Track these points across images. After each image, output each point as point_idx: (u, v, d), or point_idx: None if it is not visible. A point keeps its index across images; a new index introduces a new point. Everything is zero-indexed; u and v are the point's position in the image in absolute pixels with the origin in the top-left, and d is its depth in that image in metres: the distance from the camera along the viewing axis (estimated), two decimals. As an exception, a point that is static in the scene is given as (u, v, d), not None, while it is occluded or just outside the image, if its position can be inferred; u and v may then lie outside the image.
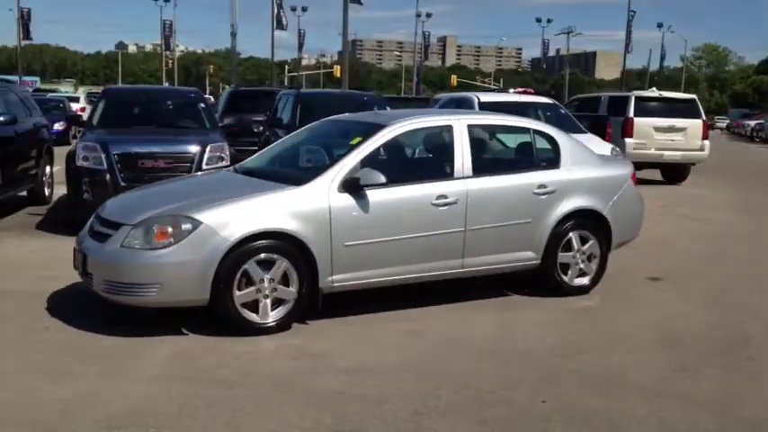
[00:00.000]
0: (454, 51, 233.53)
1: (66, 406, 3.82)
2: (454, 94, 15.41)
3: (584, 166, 6.27)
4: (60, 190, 10.00)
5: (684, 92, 27.88)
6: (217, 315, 4.93)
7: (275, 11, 47.36)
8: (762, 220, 11.17)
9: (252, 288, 4.93)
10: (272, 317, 5.02)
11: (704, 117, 16.26)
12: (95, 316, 5.20)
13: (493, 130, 6.62)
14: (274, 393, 4.06)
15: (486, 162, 6.08)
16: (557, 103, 13.38)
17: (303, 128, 6.93)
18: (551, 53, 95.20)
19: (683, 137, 15.58)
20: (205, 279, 4.77)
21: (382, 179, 5.20)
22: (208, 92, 62.26)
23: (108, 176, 8.14)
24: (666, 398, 4.14)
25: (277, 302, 5.03)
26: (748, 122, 47.40)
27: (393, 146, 5.82)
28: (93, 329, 4.96)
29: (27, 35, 52.37)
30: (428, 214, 5.48)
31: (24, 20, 51.08)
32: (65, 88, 56.55)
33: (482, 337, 5.16)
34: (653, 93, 16.81)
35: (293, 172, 5.76)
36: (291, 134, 6.94)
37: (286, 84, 59.18)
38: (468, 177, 5.67)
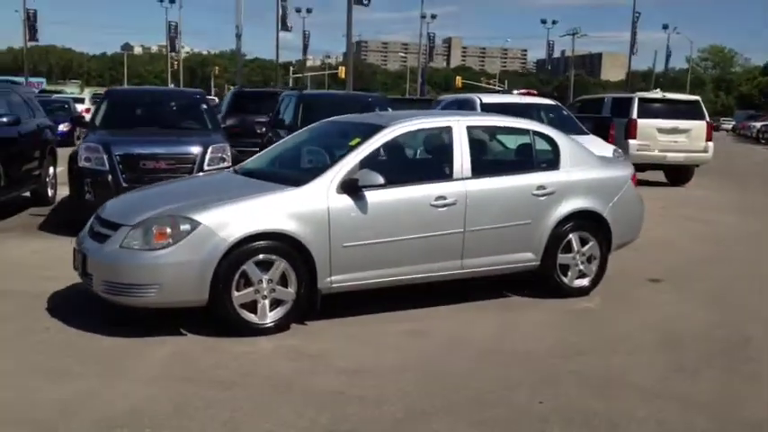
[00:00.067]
0: (459, 53, 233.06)
1: (66, 406, 3.83)
2: (456, 96, 15.41)
3: (583, 168, 6.26)
4: (64, 191, 10.01)
5: (690, 93, 27.78)
6: (215, 316, 4.94)
7: (280, 12, 47.50)
8: (764, 221, 11.13)
9: (250, 289, 4.93)
10: (271, 317, 5.02)
11: (708, 118, 16.18)
12: (95, 316, 5.22)
13: (492, 131, 6.62)
14: (273, 394, 4.07)
15: (485, 163, 6.07)
16: (559, 104, 13.36)
17: (303, 129, 6.94)
18: (556, 54, 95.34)
19: (686, 138, 15.53)
20: (204, 280, 4.78)
21: (381, 180, 5.20)
22: (213, 93, 62.28)
23: (110, 177, 8.16)
24: (666, 399, 4.14)
25: (275, 303, 5.04)
26: (754, 124, 47.28)
27: (392, 147, 5.82)
28: (92, 330, 4.98)
29: (33, 36, 52.65)
30: (427, 215, 5.47)
31: (30, 21, 51.35)
32: (71, 89, 56.66)
33: (482, 337, 5.17)
34: (656, 94, 16.75)
35: (292, 173, 5.76)
36: (291, 135, 6.94)
37: (290, 85, 59.21)
38: (467, 178, 5.66)
